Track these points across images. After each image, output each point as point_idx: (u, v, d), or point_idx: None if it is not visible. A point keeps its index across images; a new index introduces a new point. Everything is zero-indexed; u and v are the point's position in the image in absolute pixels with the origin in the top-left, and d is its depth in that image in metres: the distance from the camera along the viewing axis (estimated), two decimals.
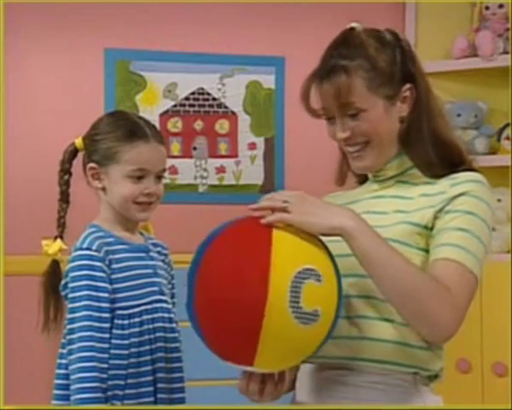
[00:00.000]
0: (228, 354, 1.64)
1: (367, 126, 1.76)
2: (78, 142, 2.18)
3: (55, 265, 2.17)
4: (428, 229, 1.73)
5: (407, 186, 1.81)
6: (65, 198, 2.20)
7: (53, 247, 2.17)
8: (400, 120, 1.80)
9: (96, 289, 2.04)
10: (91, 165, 2.13)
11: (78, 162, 2.21)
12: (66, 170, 2.19)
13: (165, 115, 3.71)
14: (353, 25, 1.81)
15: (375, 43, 1.77)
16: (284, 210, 1.63)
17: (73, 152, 2.19)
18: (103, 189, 2.13)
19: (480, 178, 1.76)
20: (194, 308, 1.62)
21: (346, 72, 1.74)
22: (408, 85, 1.79)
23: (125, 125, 2.13)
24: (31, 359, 3.45)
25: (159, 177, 2.13)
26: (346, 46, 1.77)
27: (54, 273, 2.16)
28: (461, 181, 1.75)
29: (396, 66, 1.78)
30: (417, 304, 1.62)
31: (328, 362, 1.75)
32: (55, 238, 2.18)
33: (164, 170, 2.15)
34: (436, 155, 1.79)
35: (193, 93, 3.74)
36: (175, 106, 3.73)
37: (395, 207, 1.77)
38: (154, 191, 2.11)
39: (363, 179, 1.93)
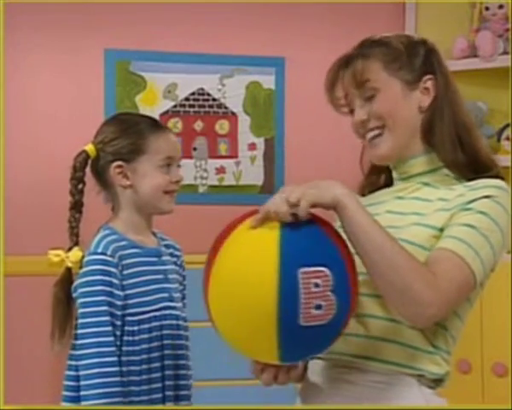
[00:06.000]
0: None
1: (382, 107, 1.76)
2: (90, 148, 2.14)
3: (68, 274, 2.12)
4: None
5: (429, 189, 1.79)
6: (78, 208, 2.14)
7: (73, 256, 2.10)
8: (421, 111, 1.79)
9: (112, 295, 2.02)
10: (117, 163, 2.10)
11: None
12: (79, 178, 2.14)
13: (165, 116, 3.70)
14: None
15: (399, 38, 1.81)
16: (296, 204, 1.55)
17: (85, 159, 2.14)
18: (131, 186, 2.11)
19: (501, 184, 1.73)
20: None
21: (364, 56, 1.78)
22: (429, 76, 1.79)
23: (142, 120, 2.15)
24: (31, 359, 3.45)
25: (178, 166, 2.16)
26: (368, 43, 1.82)
27: (68, 282, 2.11)
28: (480, 186, 1.72)
29: (418, 57, 1.79)
30: (398, 277, 1.58)
31: (335, 359, 1.74)
32: (70, 249, 2.12)
33: (181, 158, 2.18)
34: (462, 153, 1.77)
35: (193, 93, 3.74)
36: (175, 106, 3.73)
37: (413, 209, 1.75)
38: (180, 179, 2.14)
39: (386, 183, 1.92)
